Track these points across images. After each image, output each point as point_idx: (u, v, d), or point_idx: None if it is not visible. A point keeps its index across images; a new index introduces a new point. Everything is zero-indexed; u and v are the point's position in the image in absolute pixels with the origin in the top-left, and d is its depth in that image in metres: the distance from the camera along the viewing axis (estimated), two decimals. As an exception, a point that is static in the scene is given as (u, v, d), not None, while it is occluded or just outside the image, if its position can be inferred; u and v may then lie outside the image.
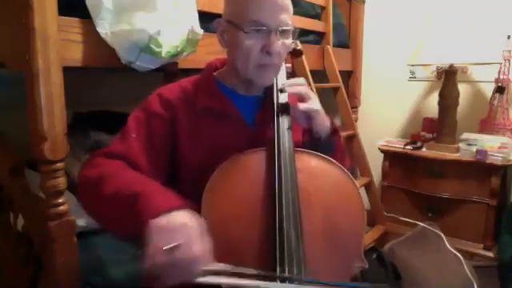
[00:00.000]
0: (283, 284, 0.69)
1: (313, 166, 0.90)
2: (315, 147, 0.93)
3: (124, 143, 0.88)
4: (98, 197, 0.78)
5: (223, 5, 0.94)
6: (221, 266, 0.68)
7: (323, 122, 0.92)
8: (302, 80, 0.94)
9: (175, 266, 0.63)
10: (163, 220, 0.66)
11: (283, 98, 0.93)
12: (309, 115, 0.90)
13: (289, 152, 0.86)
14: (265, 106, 0.97)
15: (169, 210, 0.67)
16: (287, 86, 0.91)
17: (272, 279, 0.69)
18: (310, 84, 1.94)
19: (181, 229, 0.65)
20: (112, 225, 0.80)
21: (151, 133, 0.90)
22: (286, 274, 0.72)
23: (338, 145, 0.99)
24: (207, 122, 0.93)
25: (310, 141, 0.95)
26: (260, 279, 0.68)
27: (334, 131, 0.97)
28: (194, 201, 0.80)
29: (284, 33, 0.89)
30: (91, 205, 0.83)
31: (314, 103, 0.90)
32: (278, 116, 0.91)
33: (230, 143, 0.90)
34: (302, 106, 0.88)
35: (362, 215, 0.87)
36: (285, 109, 0.92)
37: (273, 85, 0.95)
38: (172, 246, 0.63)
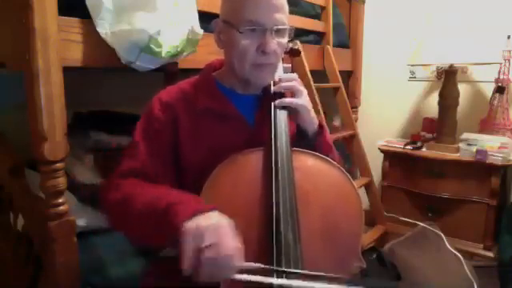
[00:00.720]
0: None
1: (310, 166, 0.90)
2: (301, 145, 0.94)
3: (134, 158, 0.90)
4: (127, 217, 0.81)
5: (220, 5, 0.95)
6: (251, 265, 0.70)
7: (310, 119, 0.94)
8: (294, 76, 0.96)
9: (213, 263, 0.66)
10: (196, 222, 0.68)
11: (278, 90, 0.95)
12: (295, 109, 0.92)
13: (286, 151, 0.86)
14: (263, 104, 0.98)
15: (199, 213, 0.70)
16: (282, 80, 0.94)
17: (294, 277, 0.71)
18: (310, 84, 1.93)
19: (214, 228, 0.68)
20: (147, 239, 0.83)
21: (157, 139, 0.91)
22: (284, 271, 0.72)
23: (325, 145, 0.99)
24: (207, 122, 0.94)
25: (297, 137, 0.96)
26: (289, 278, 0.70)
27: (321, 130, 0.97)
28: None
29: (279, 32, 0.89)
30: (123, 225, 0.86)
31: (301, 98, 0.92)
32: (274, 111, 0.92)
33: (230, 143, 0.91)
34: (287, 100, 0.91)
35: (359, 215, 0.87)
36: (280, 98, 0.94)
37: (271, 84, 0.96)
38: (208, 244, 0.66)
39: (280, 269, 0.72)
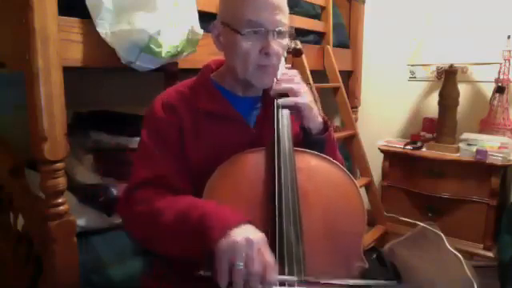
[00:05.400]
0: None
1: (313, 166, 0.90)
2: (305, 143, 0.93)
3: (149, 165, 0.88)
4: (158, 230, 0.80)
5: (219, 6, 0.94)
6: (286, 278, 0.70)
7: (314, 117, 0.93)
8: (295, 72, 0.95)
9: (246, 279, 0.66)
10: (230, 237, 0.68)
11: (279, 91, 0.94)
12: (297, 108, 0.91)
13: (289, 151, 0.86)
14: (264, 106, 0.97)
15: (233, 227, 0.69)
16: (282, 81, 0.93)
17: None
18: (310, 84, 1.93)
19: (248, 243, 0.68)
20: (179, 252, 0.80)
21: (166, 140, 0.90)
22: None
23: (329, 143, 0.99)
24: (208, 124, 0.93)
25: (303, 135, 0.95)
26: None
27: (326, 128, 0.97)
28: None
29: (281, 33, 0.89)
30: (153, 238, 0.84)
31: (303, 97, 0.91)
32: (277, 113, 0.91)
33: (231, 145, 0.90)
34: (289, 99, 0.90)
35: (362, 215, 0.87)
36: (281, 97, 0.93)
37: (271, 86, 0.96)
38: (243, 260, 0.66)
39: (303, 279, 0.72)
